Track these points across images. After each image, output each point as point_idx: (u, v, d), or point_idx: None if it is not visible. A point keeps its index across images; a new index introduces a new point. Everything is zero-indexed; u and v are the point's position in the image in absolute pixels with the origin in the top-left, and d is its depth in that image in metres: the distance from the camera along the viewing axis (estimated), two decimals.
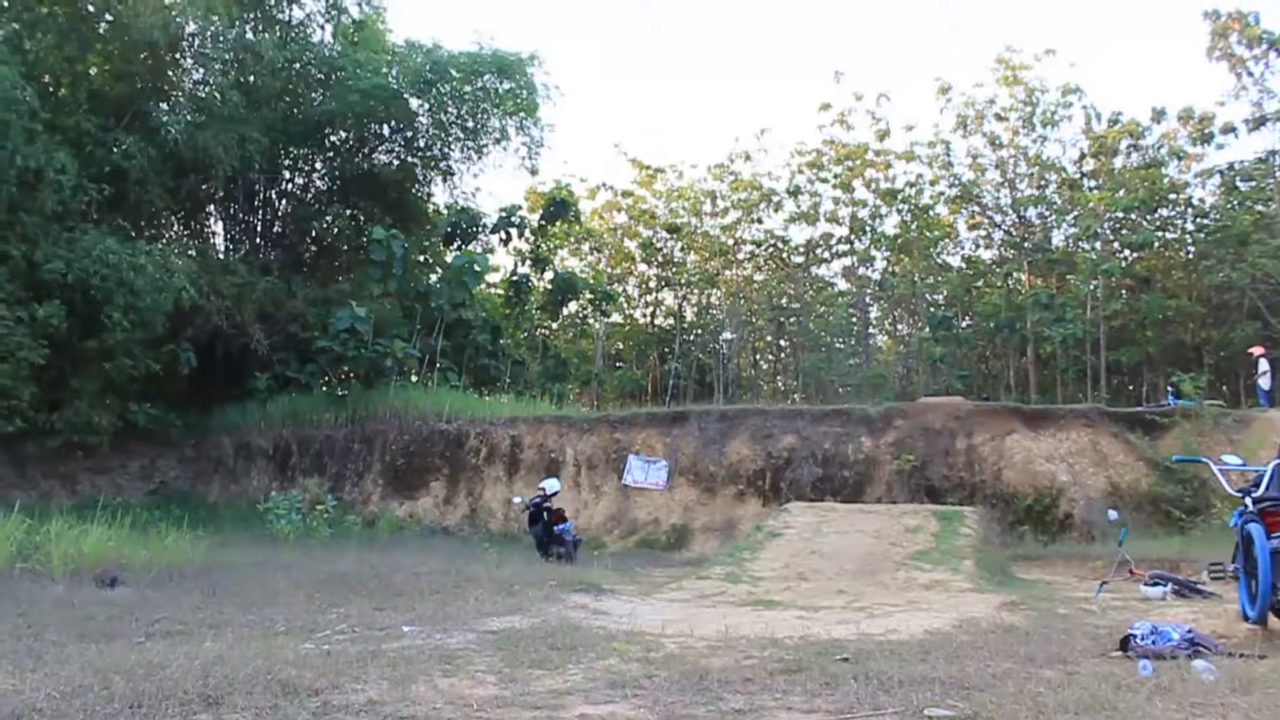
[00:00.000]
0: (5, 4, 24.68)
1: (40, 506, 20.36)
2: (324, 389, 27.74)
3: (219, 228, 32.19)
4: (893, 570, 13.04)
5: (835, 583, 12.39)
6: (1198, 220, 34.64)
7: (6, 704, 4.93)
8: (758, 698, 5.77)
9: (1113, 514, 16.39)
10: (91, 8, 25.88)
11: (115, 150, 25.47)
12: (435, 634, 8.09)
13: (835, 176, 39.38)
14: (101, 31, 26.75)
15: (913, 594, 11.56)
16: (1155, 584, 11.50)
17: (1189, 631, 7.26)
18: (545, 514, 17.12)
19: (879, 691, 5.84)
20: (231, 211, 31.62)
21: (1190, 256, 34.29)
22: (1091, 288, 33.16)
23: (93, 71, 27.47)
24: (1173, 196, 34.50)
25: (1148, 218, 34.53)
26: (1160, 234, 34.62)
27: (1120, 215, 34.14)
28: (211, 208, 31.55)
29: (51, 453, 24.49)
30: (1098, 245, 34.39)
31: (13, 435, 23.06)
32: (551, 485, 17.85)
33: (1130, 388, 34.22)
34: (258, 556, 15.59)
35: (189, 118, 26.90)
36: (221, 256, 29.91)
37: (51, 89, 25.90)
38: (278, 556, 15.69)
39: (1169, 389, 25.25)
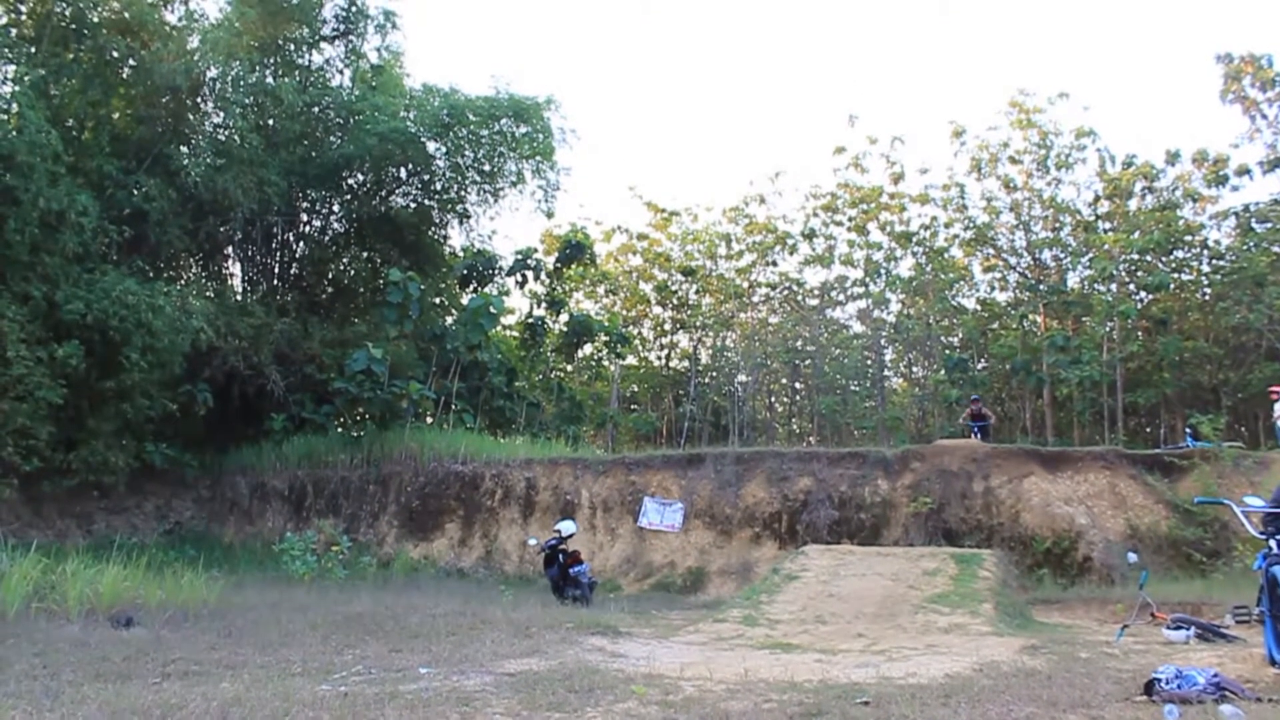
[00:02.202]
0: (33, 50, 24.99)
1: (56, 546, 20.40)
2: (339, 430, 27.77)
3: (237, 269, 32.42)
4: (911, 613, 12.91)
5: (854, 626, 12.28)
6: (1213, 262, 34.62)
7: None
8: None
9: (1132, 557, 16.20)
10: (115, 53, 26.20)
11: (136, 192, 25.76)
12: (452, 676, 8.04)
13: (850, 219, 39.56)
14: (125, 76, 27.10)
15: (932, 637, 11.44)
16: (1178, 628, 11.35)
17: (1215, 676, 7.16)
18: (561, 556, 17.03)
19: None
20: (249, 253, 31.84)
21: (1206, 298, 34.23)
22: (1108, 329, 33.10)
23: (115, 115, 27.78)
24: (1188, 238, 34.50)
25: (1163, 259, 34.51)
26: (1176, 276, 34.59)
27: (1135, 257, 34.14)
28: (230, 249, 31.75)
29: (68, 492, 24.50)
30: (1113, 287, 34.36)
31: (30, 474, 23.09)
32: (567, 527, 17.75)
33: (1148, 429, 34.04)
34: (273, 597, 15.54)
35: (209, 160, 27.17)
36: (239, 298, 30.08)
37: (75, 132, 26.21)
38: (293, 597, 15.64)
39: (1187, 431, 25.07)
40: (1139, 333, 33.72)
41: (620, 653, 9.95)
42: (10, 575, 12.73)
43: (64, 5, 25.32)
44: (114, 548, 16.67)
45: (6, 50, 24.95)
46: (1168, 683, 7.11)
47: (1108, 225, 35.91)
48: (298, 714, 5.93)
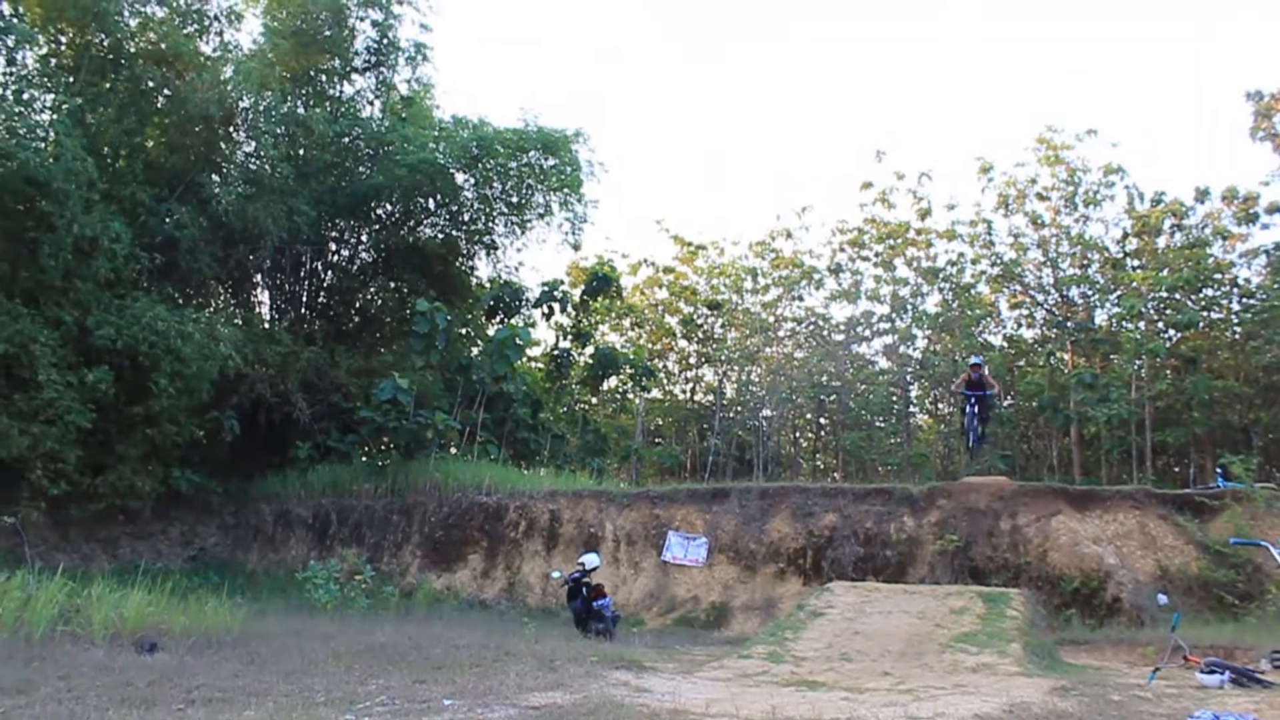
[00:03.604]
0: (71, 80, 25.37)
1: (82, 570, 20.52)
2: (364, 459, 27.85)
3: (265, 297, 32.65)
4: (938, 652, 12.77)
5: (880, 664, 12.15)
6: (1244, 300, 34.29)
7: None
8: None
9: (1162, 598, 15.98)
10: (151, 83, 26.55)
11: (168, 220, 26.06)
12: (476, 708, 8.00)
13: (876, 255, 39.47)
14: (159, 106, 27.44)
15: (959, 677, 11.30)
16: (1212, 672, 11.15)
17: None
18: (584, 589, 16.95)
19: None
20: (278, 281, 32.08)
21: (1237, 336, 33.89)
22: (1136, 367, 32.80)
23: (149, 144, 28.12)
24: (1218, 276, 34.19)
25: (1192, 297, 34.21)
26: (1205, 314, 34.27)
27: (1164, 295, 33.86)
28: (259, 277, 31.99)
29: (94, 516, 24.66)
30: (1142, 325, 34.08)
31: (57, 498, 23.28)
32: (591, 560, 17.68)
33: (1176, 469, 33.64)
34: (295, 625, 15.55)
35: (240, 189, 27.52)
36: (267, 326, 30.27)
37: (110, 160, 26.54)
38: (315, 626, 15.64)
39: (1218, 471, 24.77)
40: (1168, 371, 33.39)
41: (645, 688, 9.87)
42: (37, 598, 12.82)
43: (102, 36, 25.70)
44: (139, 573, 16.72)
45: (46, 79, 25.32)
46: None
47: (1136, 262, 35.67)
48: None
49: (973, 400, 21.90)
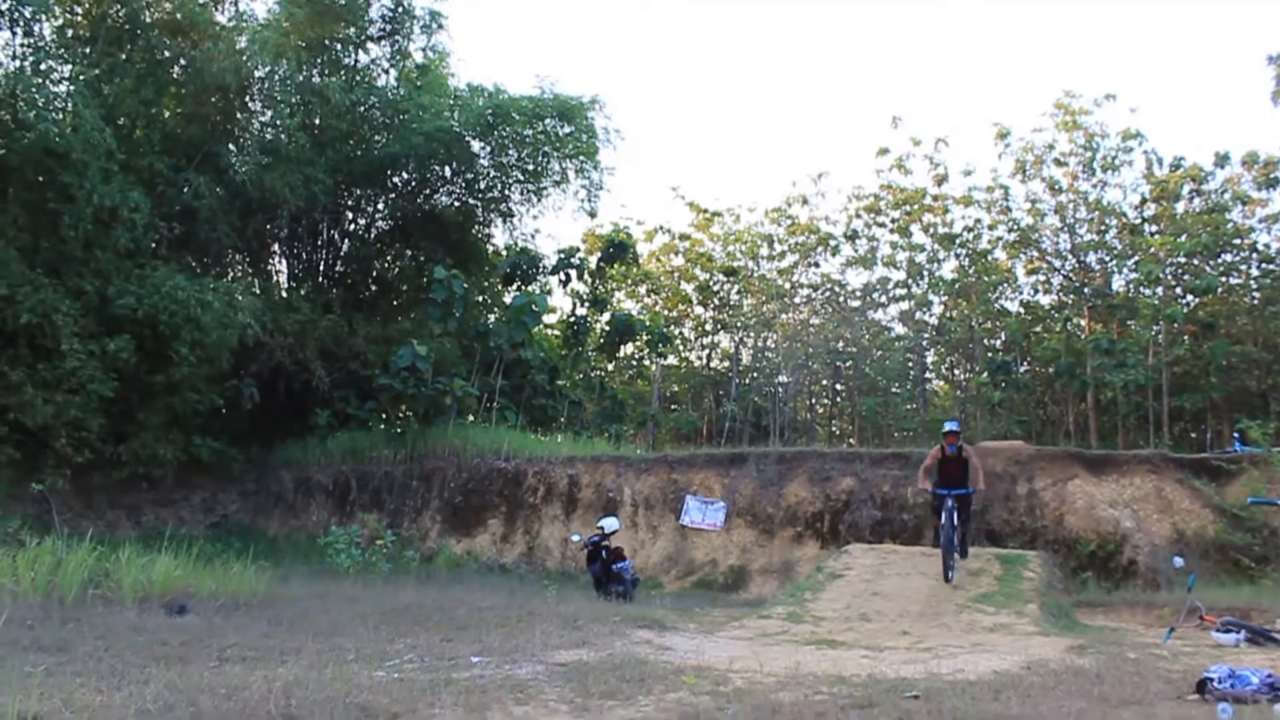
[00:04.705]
0: (88, 51, 25.43)
1: (106, 536, 20.75)
2: (383, 426, 28.04)
3: (283, 266, 32.75)
4: (956, 613, 12.91)
5: (898, 624, 12.29)
6: (1263, 266, 34.20)
7: (99, 717, 5.05)
8: None
9: (1178, 561, 16.06)
10: (167, 53, 26.58)
11: (186, 190, 26.14)
12: (504, 665, 8.15)
13: (893, 221, 39.44)
14: (175, 76, 27.49)
15: (977, 636, 11.43)
16: (1228, 631, 11.27)
17: (1269, 676, 7.13)
18: (604, 552, 17.13)
19: None
20: (295, 250, 32.20)
21: (1255, 302, 33.81)
22: (1154, 333, 32.77)
23: (166, 114, 28.17)
24: (1237, 241, 34.09)
25: (1211, 263, 34.13)
26: (1224, 279, 34.20)
27: (1182, 260, 33.77)
28: (276, 246, 32.11)
29: (117, 484, 24.90)
30: (1159, 290, 34.00)
31: (81, 466, 23.52)
32: (610, 524, 17.87)
33: (1193, 435, 33.64)
34: (319, 589, 15.76)
35: (257, 159, 27.55)
36: (285, 294, 30.38)
37: (127, 131, 26.59)
38: (339, 589, 15.85)
39: (1235, 435, 24.78)
40: (1185, 337, 33.33)
41: (668, 646, 10.03)
42: (67, 563, 13.01)
43: (118, 6, 25.71)
44: (164, 539, 16.93)
45: (63, 50, 25.38)
46: (1220, 682, 7.10)
47: (1154, 228, 35.55)
48: (357, 696, 6.05)
49: (949, 502, 14.54)
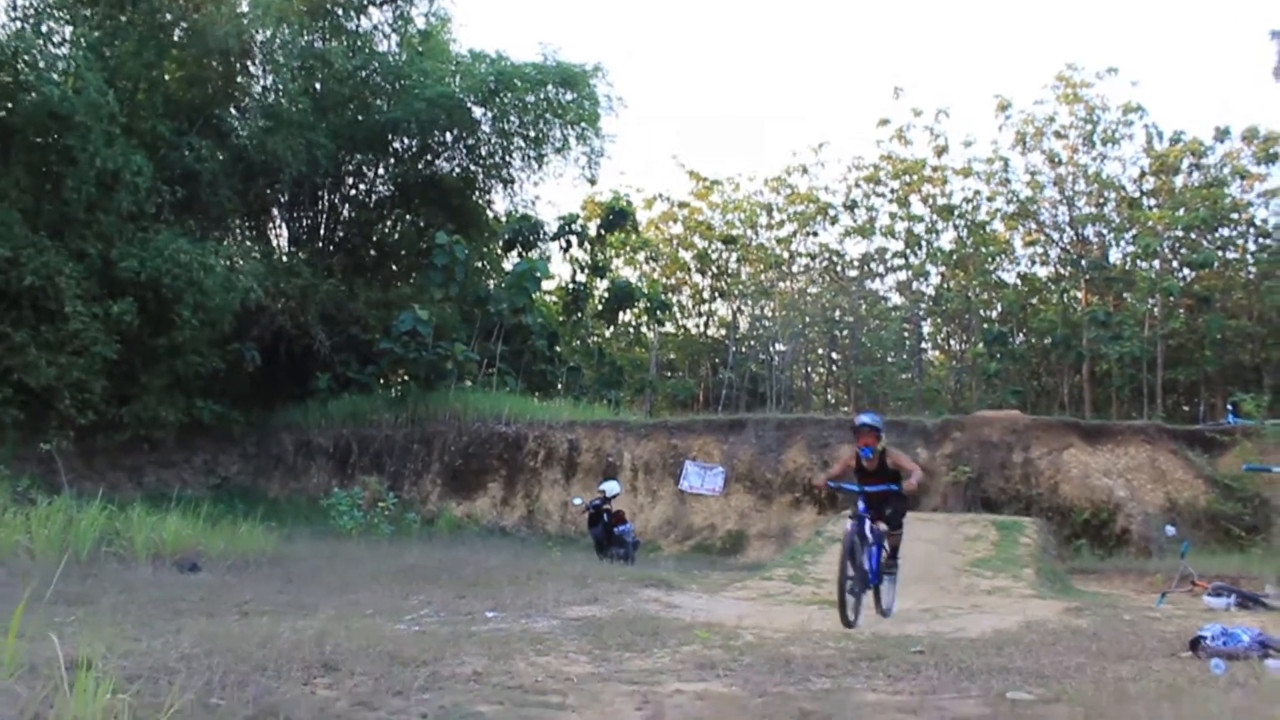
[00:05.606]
0: (89, 13, 25.35)
1: (111, 497, 20.93)
2: (382, 390, 28.20)
3: (284, 230, 32.77)
4: (954, 576, 13.18)
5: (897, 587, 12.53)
6: (1260, 240, 34.41)
7: (144, 662, 5.26)
8: (842, 680, 6.00)
9: (1170, 530, 16.33)
10: (168, 16, 26.48)
11: (188, 153, 26.11)
12: (519, 619, 8.38)
13: (892, 191, 39.56)
14: (176, 39, 27.38)
15: (975, 599, 11.70)
16: (1219, 595, 11.54)
17: (1259, 634, 7.38)
18: (605, 516, 17.36)
19: (959, 678, 6.06)
20: (296, 215, 32.23)
21: (1251, 276, 34.04)
22: (1149, 306, 33.00)
23: (167, 78, 28.07)
24: (1235, 216, 34.27)
25: (1208, 237, 34.32)
26: (1221, 253, 34.40)
27: (1180, 234, 33.98)
28: (277, 211, 32.14)
29: (120, 446, 25.04)
30: (1156, 264, 34.23)
31: (84, 427, 23.66)
32: (611, 487, 18.10)
33: (1186, 407, 33.96)
34: (325, 549, 15.99)
35: (258, 123, 27.57)
36: (286, 259, 30.46)
37: (129, 94, 26.55)
38: (344, 550, 16.07)
39: (1228, 408, 25.05)
40: (1181, 310, 33.58)
41: (675, 604, 10.27)
42: (79, 521, 13.19)
43: None
44: (172, 500, 17.12)
45: (64, 12, 25.31)
46: (1213, 639, 7.34)
47: (1153, 201, 35.73)
48: (385, 646, 6.26)
49: (861, 503, 9.88)
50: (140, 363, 24.71)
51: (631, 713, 4.96)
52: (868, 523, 9.70)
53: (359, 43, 30.42)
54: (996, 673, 6.18)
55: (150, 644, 6.05)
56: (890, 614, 10.04)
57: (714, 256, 42.37)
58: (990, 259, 38.35)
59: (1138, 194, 36.24)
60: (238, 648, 5.85)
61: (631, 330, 40.86)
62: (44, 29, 24.38)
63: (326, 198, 31.98)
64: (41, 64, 23.29)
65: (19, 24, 24.15)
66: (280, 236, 32.73)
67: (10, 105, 23.38)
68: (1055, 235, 38.32)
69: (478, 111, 30.64)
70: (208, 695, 4.58)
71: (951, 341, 42.66)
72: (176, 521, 14.67)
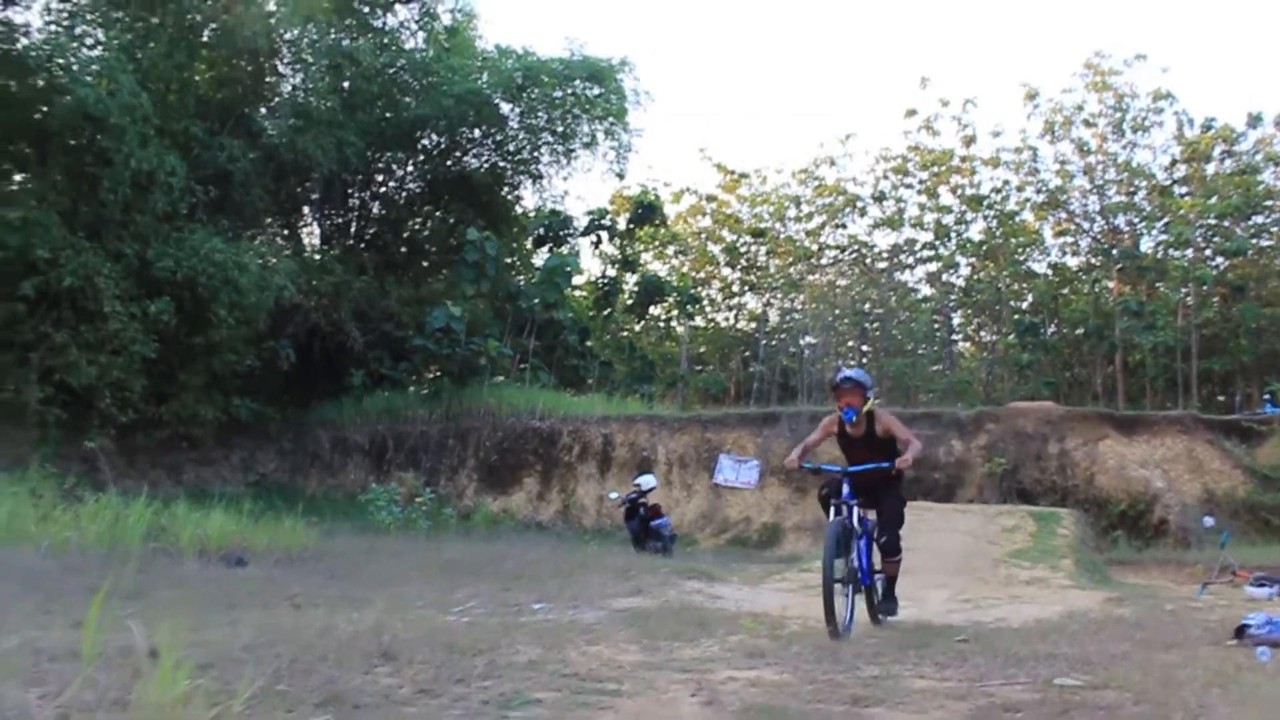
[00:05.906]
0: (121, 15, 25.62)
1: (154, 494, 21.22)
2: (417, 386, 28.40)
3: (315, 228, 33.06)
4: (992, 567, 13.21)
5: (936, 578, 12.56)
6: None
7: (208, 652, 5.38)
8: (890, 668, 6.06)
9: (1208, 520, 16.31)
10: (198, 17, 26.73)
11: (220, 153, 26.34)
12: (567, 610, 8.49)
13: (920, 182, 39.35)
14: (206, 40, 27.64)
15: (1014, 589, 11.73)
16: (1261, 585, 11.53)
17: None
18: (641, 509, 17.47)
19: (1006, 665, 6.11)
20: (327, 213, 32.46)
21: None
22: (1183, 295, 32.73)
23: (198, 79, 28.35)
24: (1268, 203, 33.91)
25: (1241, 225, 33.98)
26: (1254, 241, 34.05)
27: (1213, 222, 33.65)
28: (308, 209, 32.42)
29: (159, 443, 25.35)
30: (1189, 252, 33.94)
31: (124, 425, 23.94)
32: (648, 481, 18.21)
33: (1221, 397, 33.66)
34: (365, 545, 16.18)
35: (289, 122, 27.77)
36: (318, 257, 30.71)
37: (161, 95, 26.81)
38: (385, 545, 16.27)
39: (1265, 397, 24.86)
40: (1215, 299, 33.28)
41: (718, 595, 10.37)
42: (126, 517, 13.42)
43: None
44: (214, 497, 17.38)
45: (97, 15, 25.60)
46: (1258, 628, 7.35)
47: (1184, 189, 35.40)
48: (440, 637, 6.38)
49: (846, 488, 8.59)
50: (178, 361, 24.97)
51: (687, 699, 5.04)
52: (855, 510, 8.33)
53: (386, 40, 30.58)
54: (1043, 660, 6.23)
55: (208, 635, 6.18)
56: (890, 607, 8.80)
57: (743, 250, 42.29)
58: (1020, 249, 38.12)
59: (1169, 182, 35.92)
60: (297, 638, 5.98)
61: (662, 324, 40.88)
62: (77, 32, 24.64)
63: (357, 195, 32.20)
64: (75, 67, 23.53)
65: (53, 28, 24.44)
66: (312, 235, 33.04)
67: (47, 108, 23.67)
68: (1086, 225, 38.06)
69: (505, 107, 30.77)
70: (276, 682, 4.70)
71: (983, 333, 42.39)
72: (220, 517, 14.89)
